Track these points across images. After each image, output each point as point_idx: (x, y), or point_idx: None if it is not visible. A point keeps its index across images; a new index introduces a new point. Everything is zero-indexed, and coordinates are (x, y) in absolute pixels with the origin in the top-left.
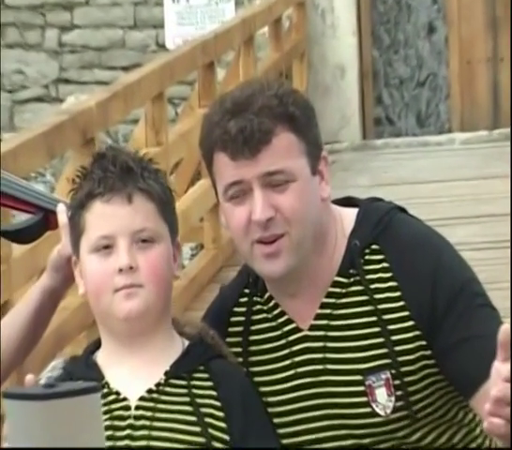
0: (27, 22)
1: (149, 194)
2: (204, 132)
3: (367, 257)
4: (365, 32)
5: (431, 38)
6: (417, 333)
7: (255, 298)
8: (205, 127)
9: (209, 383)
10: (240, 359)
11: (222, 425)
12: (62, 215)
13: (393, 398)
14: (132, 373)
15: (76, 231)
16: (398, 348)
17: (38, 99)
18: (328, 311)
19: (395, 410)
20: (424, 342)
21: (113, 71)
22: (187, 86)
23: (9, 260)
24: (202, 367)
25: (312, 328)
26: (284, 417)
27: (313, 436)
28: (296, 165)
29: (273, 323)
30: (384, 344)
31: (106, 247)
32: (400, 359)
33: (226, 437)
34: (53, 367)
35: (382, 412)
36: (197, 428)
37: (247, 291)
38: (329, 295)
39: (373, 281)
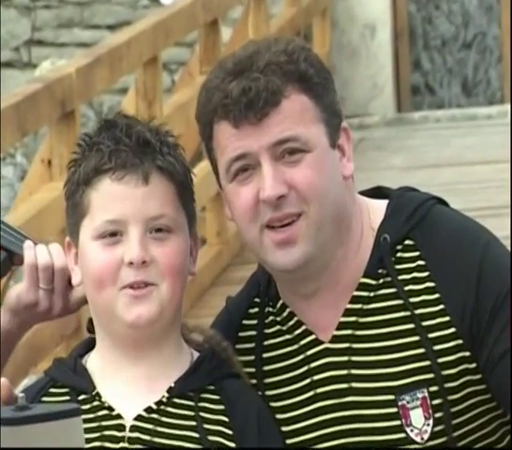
0: None
1: (169, 174)
2: (202, 100)
3: (399, 254)
4: None
5: None
6: (459, 342)
7: (267, 308)
8: (203, 94)
9: (220, 407)
10: (254, 381)
11: None
12: (29, 252)
13: (431, 422)
14: (130, 386)
15: (77, 210)
16: (439, 360)
17: (7, 65)
18: (353, 319)
19: (433, 436)
20: (467, 353)
21: (97, 31)
22: (185, 49)
23: None
24: (212, 387)
25: (334, 340)
26: (304, 448)
27: None
28: (312, 132)
29: (288, 336)
30: (421, 356)
31: (113, 233)
32: (442, 374)
33: None
34: (26, 388)
35: (418, 439)
36: None
37: (257, 300)
38: (354, 300)
39: (407, 282)
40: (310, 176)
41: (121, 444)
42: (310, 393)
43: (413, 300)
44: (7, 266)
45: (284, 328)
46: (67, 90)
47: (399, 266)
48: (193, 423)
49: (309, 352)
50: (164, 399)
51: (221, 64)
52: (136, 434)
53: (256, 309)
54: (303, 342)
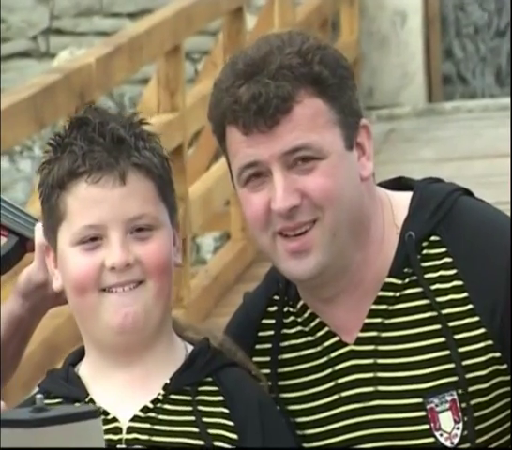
0: None
1: (147, 170)
2: (213, 102)
3: (424, 251)
4: None
5: None
6: (489, 343)
7: (287, 308)
8: (214, 95)
9: (219, 398)
10: (269, 384)
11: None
12: (38, 232)
13: (461, 425)
14: (124, 388)
15: (53, 216)
16: (466, 362)
17: (24, 54)
18: (378, 320)
19: (463, 440)
20: (497, 354)
21: (117, 19)
22: (209, 37)
23: None
24: (209, 379)
25: (359, 342)
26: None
27: None
28: (326, 139)
29: (310, 338)
30: (449, 358)
31: (93, 238)
32: (470, 376)
33: None
34: (20, 403)
35: (447, 443)
36: None
37: (276, 297)
38: (379, 301)
39: (434, 281)
40: (324, 184)
41: (118, 447)
42: (335, 396)
43: (439, 299)
44: (20, 252)
45: (306, 329)
46: (86, 80)
47: (425, 264)
48: (192, 418)
49: (333, 355)
50: (160, 397)
51: (233, 63)
52: (133, 435)
53: (275, 308)
54: (326, 344)
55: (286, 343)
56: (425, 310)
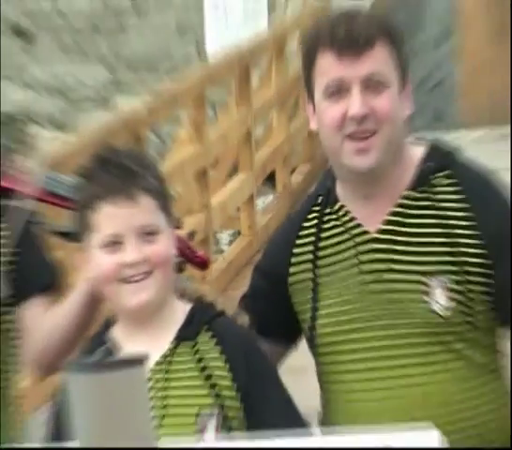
0: (81, 38)
1: (151, 193)
2: (313, 32)
3: (439, 179)
4: None
5: None
6: (484, 252)
7: (326, 210)
8: (313, 27)
9: (214, 340)
10: (310, 265)
11: (228, 383)
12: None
13: (452, 304)
14: (143, 345)
15: (85, 226)
16: (462, 259)
17: (94, 104)
18: (398, 219)
19: (453, 312)
20: (490, 261)
21: (160, 79)
22: (224, 90)
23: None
24: (206, 327)
25: (381, 232)
26: (342, 317)
27: (361, 335)
28: (392, 74)
29: (342, 228)
30: (449, 253)
31: (114, 243)
32: (464, 269)
33: (233, 393)
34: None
35: (440, 312)
36: (205, 391)
37: (316, 208)
38: (400, 205)
39: (445, 201)
40: (387, 105)
41: None
42: (356, 269)
43: (447, 213)
44: None
45: (339, 223)
46: (137, 121)
47: (438, 189)
48: (193, 365)
49: (358, 239)
50: (168, 352)
51: (325, 16)
52: (150, 384)
53: (315, 214)
54: (354, 232)
55: (323, 235)
56: (435, 216)
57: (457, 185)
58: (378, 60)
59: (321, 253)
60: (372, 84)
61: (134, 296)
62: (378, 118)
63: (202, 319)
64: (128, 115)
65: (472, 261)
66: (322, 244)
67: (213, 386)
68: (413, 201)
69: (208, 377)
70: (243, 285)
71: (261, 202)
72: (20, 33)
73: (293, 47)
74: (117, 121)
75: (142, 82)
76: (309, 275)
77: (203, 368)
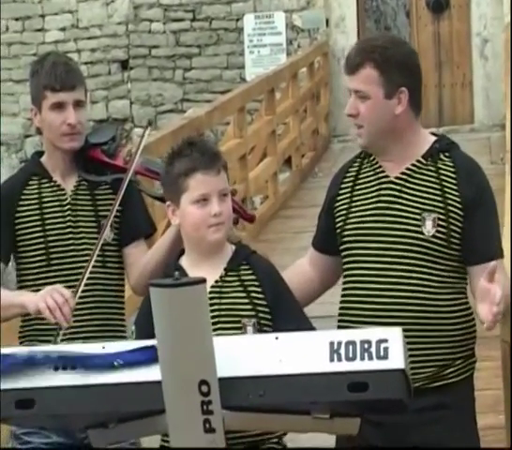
0: (162, 65)
1: (224, 168)
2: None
3: (441, 156)
4: None
5: None
6: (462, 206)
7: (364, 165)
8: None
9: (251, 271)
10: (349, 195)
11: (262, 301)
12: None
13: (436, 232)
14: (204, 272)
15: (179, 189)
16: (448, 207)
17: (171, 111)
18: (410, 172)
19: (435, 237)
20: (464, 213)
21: (215, 94)
22: (258, 103)
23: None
24: (245, 262)
25: (397, 178)
26: (358, 230)
27: (362, 244)
28: (375, 89)
29: (372, 172)
30: (439, 201)
31: (203, 200)
32: (448, 213)
33: (267, 309)
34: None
35: (426, 232)
36: (249, 306)
37: (355, 164)
38: (413, 165)
39: (443, 169)
40: (366, 110)
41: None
42: (377, 199)
43: (443, 177)
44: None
45: (371, 169)
46: (200, 123)
47: (440, 161)
48: (240, 288)
49: (382, 180)
50: (219, 278)
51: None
52: (211, 295)
53: (355, 168)
54: (379, 175)
55: (359, 176)
56: (434, 177)
57: (452, 162)
58: (361, 80)
59: (357, 187)
60: (359, 95)
61: (214, 235)
62: (361, 118)
63: (242, 256)
64: (193, 119)
65: (454, 209)
66: (358, 182)
67: (251, 302)
68: (422, 164)
69: (248, 296)
70: (270, 234)
71: (281, 177)
72: (124, 63)
73: (303, 74)
74: (186, 122)
75: (203, 97)
76: (347, 200)
77: (244, 290)
